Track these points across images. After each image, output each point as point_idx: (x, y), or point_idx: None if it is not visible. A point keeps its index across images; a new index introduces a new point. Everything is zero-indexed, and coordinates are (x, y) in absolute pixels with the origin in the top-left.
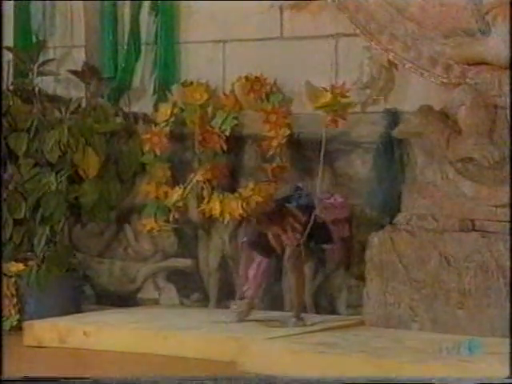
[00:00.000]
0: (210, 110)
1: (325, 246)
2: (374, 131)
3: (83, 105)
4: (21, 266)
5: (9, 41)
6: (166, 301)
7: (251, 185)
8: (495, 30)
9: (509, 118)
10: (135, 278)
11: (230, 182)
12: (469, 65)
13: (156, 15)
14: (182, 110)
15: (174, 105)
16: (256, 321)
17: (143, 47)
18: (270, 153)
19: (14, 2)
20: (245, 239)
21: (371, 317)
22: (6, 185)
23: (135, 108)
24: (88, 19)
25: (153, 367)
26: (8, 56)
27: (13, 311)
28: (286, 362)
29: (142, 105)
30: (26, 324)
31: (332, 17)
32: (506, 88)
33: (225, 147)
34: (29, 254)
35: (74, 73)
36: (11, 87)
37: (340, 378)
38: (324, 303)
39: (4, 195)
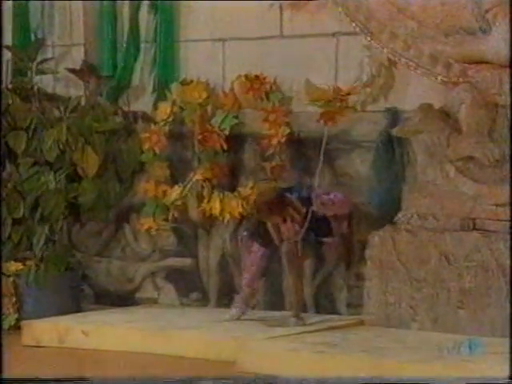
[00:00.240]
0: (209, 108)
1: (325, 240)
2: (374, 130)
3: (82, 103)
4: (19, 266)
5: (7, 39)
6: (165, 300)
7: (251, 184)
8: (496, 28)
9: (509, 116)
10: (134, 278)
11: (230, 181)
12: (469, 63)
13: (155, 14)
14: (182, 109)
15: (174, 103)
16: (256, 320)
17: (142, 46)
18: (270, 152)
19: (12, 0)
20: (244, 233)
21: (371, 316)
22: (5, 184)
23: (134, 107)
24: (87, 17)
25: (152, 367)
26: (7, 55)
27: (11, 310)
28: (286, 361)
29: (141, 103)
30: (24, 323)
31: (332, 15)
32: (507, 86)
33: (224, 146)
34: (27, 253)
35: (73, 71)
36: (10, 86)
37: (340, 378)
38: (324, 303)
39: (3, 194)
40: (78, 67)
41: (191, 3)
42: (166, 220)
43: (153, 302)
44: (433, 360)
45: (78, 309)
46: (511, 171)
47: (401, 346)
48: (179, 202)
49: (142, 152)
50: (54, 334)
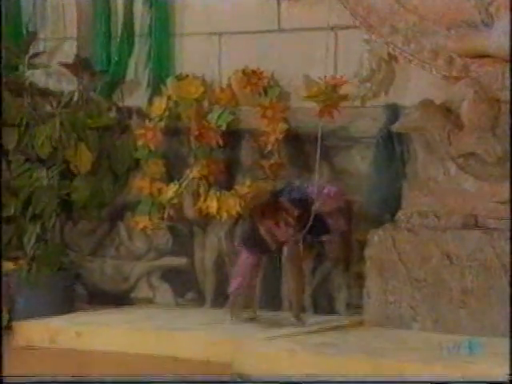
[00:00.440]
0: (205, 104)
1: (323, 238)
2: (373, 126)
3: (75, 99)
4: (11, 265)
5: None
6: (161, 300)
7: (248, 182)
8: (498, 21)
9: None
10: (128, 277)
11: (227, 179)
12: (471, 58)
13: (150, 7)
14: (177, 105)
15: (169, 99)
16: (253, 321)
17: (137, 39)
18: (268, 149)
19: None
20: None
21: (371, 317)
22: None
23: (129, 102)
24: (80, 10)
25: (147, 368)
26: None
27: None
28: (285, 363)
29: (136, 99)
30: (15, 324)
31: (331, 8)
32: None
33: (221, 143)
34: (19, 252)
35: (66, 66)
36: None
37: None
38: (323, 303)
39: None
40: (70, 61)
41: None
42: (162, 218)
43: (148, 301)
44: (433, 361)
45: (70, 309)
46: (511, 169)
47: (402, 347)
48: (175, 200)
49: (137, 148)
50: (45, 334)
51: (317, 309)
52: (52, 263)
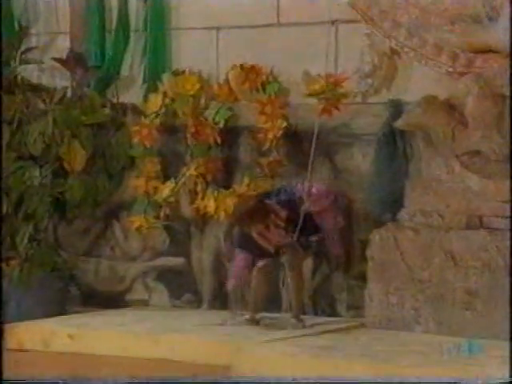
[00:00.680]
0: (202, 100)
1: (312, 238)
2: (375, 123)
3: (68, 95)
4: (3, 266)
5: None
6: (157, 302)
7: (246, 180)
8: (503, 16)
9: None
10: (124, 278)
11: (224, 177)
12: (475, 53)
13: (146, 0)
14: (173, 101)
15: (165, 95)
16: (252, 322)
17: (132, 34)
18: (266, 146)
19: None
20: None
21: (373, 319)
22: None
23: (124, 98)
24: (73, 4)
25: (143, 372)
26: None
27: None
28: (284, 366)
29: (131, 95)
30: (7, 326)
31: (331, 2)
32: None
33: (218, 140)
34: (11, 252)
35: (59, 61)
36: None
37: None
38: (323, 304)
39: None
40: (63, 57)
41: None
42: (158, 218)
43: (143, 303)
44: (437, 365)
45: (64, 311)
46: (511, 167)
47: (404, 350)
48: (171, 199)
49: (132, 146)
50: (38, 337)
51: (317, 310)
52: (45, 264)
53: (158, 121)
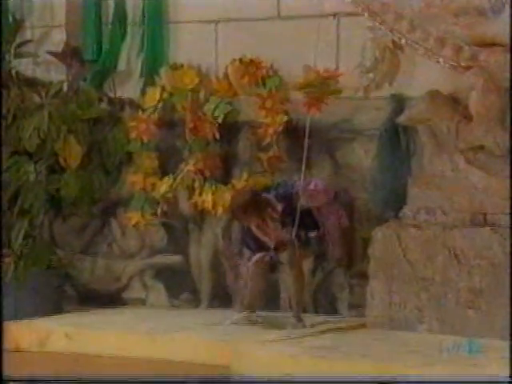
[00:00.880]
0: (201, 95)
1: (310, 234)
2: (377, 118)
3: (64, 89)
4: None
5: None
6: (154, 301)
7: (245, 176)
8: (508, 8)
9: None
10: (121, 276)
11: (223, 173)
12: (480, 46)
13: None
14: (172, 95)
15: (163, 89)
16: (250, 320)
17: (129, 27)
18: (266, 141)
19: None
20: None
21: (375, 318)
22: None
23: (121, 93)
24: None
25: (140, 372)
26: None
27: None
28: (284, 366)
29: (128, 89)
30: (2, 326)
31: None
32: None
33: (217, 135)
34: (5, 249)
35: (54, 54)
36: None
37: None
38: (324, 303)
39: None
40: (59, 50)
41: None
42: (155, 214)
43: (141, 302)
44: (441, 365)
45: (60, 310)
46: (511, 165)
47: (406, 350)
48: (169, 195)
49: (129, 141)
50: (34, 337)
51: (318, 309)
52: (40, 261)
53: (155, 116)
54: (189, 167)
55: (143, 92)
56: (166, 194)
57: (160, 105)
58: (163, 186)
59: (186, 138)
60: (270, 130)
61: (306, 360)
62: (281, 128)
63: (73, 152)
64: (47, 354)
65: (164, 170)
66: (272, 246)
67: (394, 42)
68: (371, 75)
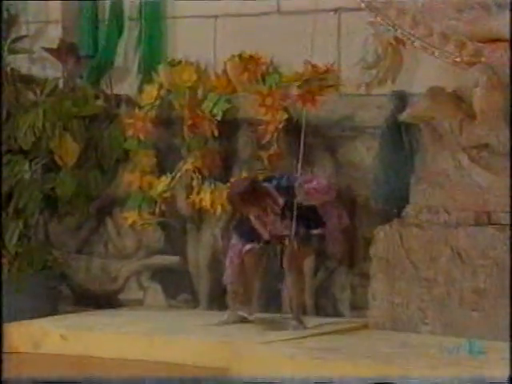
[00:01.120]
0: (199, 91)
1: (315, 232)
2: (379, 115)
3: (60, 86)
4: None
5: None
6: (151, 302)
7: (245, 174)
8: None
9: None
10: (117, 277)
11: (222, 172)
12: (484, 42)
13: None
14: (169, 92)
15: (161, 86)
16: (252, 323)
17: (126, 23)
18: (266, 139)
19: None
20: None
21: (377, 319)
22: None
23: (117, 90)
24: None
25: (137, 375)
26: None
27: None
28: (284, 368)
29: (125, 86)
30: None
31: None
32: None
33: (216, 133)
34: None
35: (50, 51)
36: None
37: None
38: (325, 304)
39: None
40: (55, 46)
41: None
42: (153, 214)
43: (138, 303)
44: (444, 367)
45: (55, 311)
46: (511, 164)
47: (409, 352)
48: (167, 194)
49: (126, 139)
50: (29, 338)
51: (319, 310)
52: (35, 262)
53: (153, 113)
54: (187, 166)
55: (140, 89)
56: (164, 193)
57: (158, 102)
58: (161, 184)
59: (184, 136)
60: (270, 128)
61: (307, 361)
62: (281, 125)
63: (68, 150)
64: (42, 355)
65: (161, 169)
66: (266, 238)
67: (396, 37)
68: (373, 71)
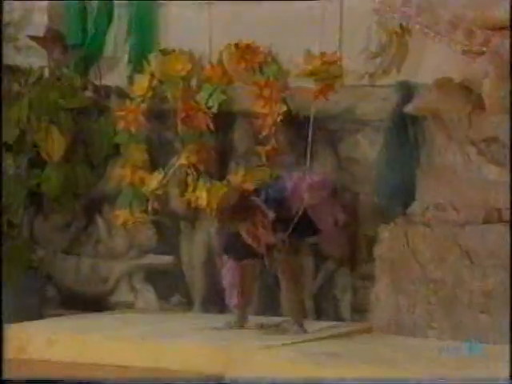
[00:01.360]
0: (194, 82)
1: (310, 240)
2: (383, 107)
3: (46, 76)
4: None
5: None
6: (143, 304)
7: (242, 170)
8: None
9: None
10: (107, 278)
11: (218, 167)
12: (494, 30)
13: None
14: (162, 83)
15: (152, 77)
16: (250, 327)
17: (116, 9)
18: (264, 133)
19: None
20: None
21: (380, 323)
22: None
23: (107, 80)
24: None
25: (128, 380)
26: None
27: None
28: (284, 374)
29: (115, 77)
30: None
31: None
32: None
33: (212, 126)
34: None
35: (35, 39)
36: None
37: None
38: (326, 307)
39: None
40: (40, 34)
41: None
42: (145, 212)
43: (129, 306)
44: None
45: (41, 314)
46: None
47: (415, 357)
48: (160, 191)
49: (116, 133)
50: (14, 343)
51: (319, 314)
52: (20, 262)
53: (144, 105)
54: (181, 161)
55: (131, 79)
56: (157, 189)
57: (149, 93)
58: (153, 181)
59: (178, 130)
60: (269, 121)
61: (308, 367)
62: (280, 118)
63: (55, 144)
64: (27, 361)
65: (154, 164)
66: (262, 252)
67: (401, 25)
68: (377, 61)
